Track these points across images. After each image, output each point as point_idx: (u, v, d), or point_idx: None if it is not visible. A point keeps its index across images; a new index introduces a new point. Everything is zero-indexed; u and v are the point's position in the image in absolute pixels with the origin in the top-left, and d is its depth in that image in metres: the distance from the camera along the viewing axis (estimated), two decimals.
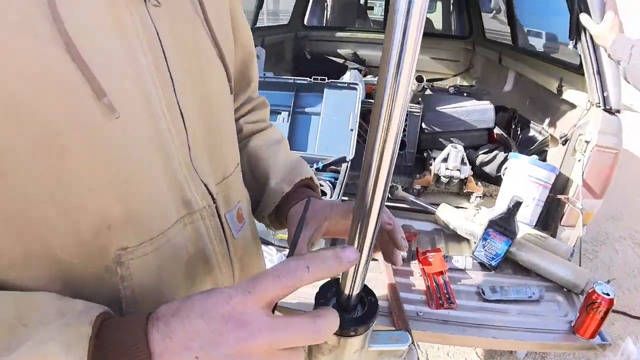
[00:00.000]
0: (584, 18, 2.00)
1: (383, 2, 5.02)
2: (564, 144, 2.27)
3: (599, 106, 2.03)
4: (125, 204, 0.54)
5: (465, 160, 2.36)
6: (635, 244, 4.05)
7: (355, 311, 0.60)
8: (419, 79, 2.41)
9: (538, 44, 3.54)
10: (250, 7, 3.88)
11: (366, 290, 0.62)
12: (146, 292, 0.59)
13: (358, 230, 0.48)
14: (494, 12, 4.78)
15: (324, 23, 5.45)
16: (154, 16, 0.56)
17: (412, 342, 0.71)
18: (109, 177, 0.52)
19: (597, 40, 1.95)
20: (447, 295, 1.76)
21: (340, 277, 0.57)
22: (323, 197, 1.98)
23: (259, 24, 4.14)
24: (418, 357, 0.73)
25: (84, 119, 0.48)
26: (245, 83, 0.94)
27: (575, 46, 2.15)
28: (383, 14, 4.98)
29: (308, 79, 2.38)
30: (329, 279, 0.61)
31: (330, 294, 0.61)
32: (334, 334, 0.55)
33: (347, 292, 0.57)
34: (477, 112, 2.62)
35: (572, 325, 1.68)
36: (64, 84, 0.46)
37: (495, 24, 4.66)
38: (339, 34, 4.87)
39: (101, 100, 0.48)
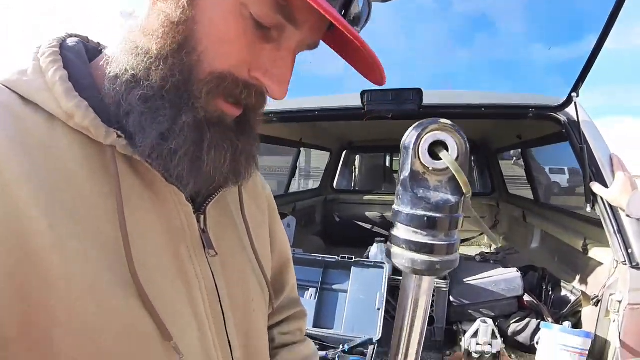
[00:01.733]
0: (595, 187, 2.08)
1: None
2: (596, 305, 2.21)
3: (625, 264, 2.00)
4: None
5: (496, 333, 2.33)
6: None
7: None
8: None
9: (559, 198, 3.59)
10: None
11: None
12: None
13: None
14: (515, 159, 4.90)
15: (353, 186, 5.70)
16: (212, 263, 0.66)
17: None
18: None
19: (613, 203, 2.00)
20: None
21: None
22: None
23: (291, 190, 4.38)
24: None
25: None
26: (280, 287, 0.98)
27: (593, 208, 2.20)
28: None
29: (336, 257, 2.47)
30: None
31: None
32: None
33: None
34: (504, 281, 2.63)
35: None
36: (136, 329, 0.54)
37: (518, 170, 4.74)
38: (367, 197, 5.06)
39: (168, 343, 0.56)
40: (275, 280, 0.94)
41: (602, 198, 2.09)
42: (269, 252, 0.88)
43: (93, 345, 0.51)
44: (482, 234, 4.69)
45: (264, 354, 0.82)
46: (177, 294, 0.60)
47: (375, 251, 2.80)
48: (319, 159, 5.41)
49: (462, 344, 2.33)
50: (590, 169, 2.16)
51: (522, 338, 2.48)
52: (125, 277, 0.53)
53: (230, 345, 0.68)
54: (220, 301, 0.67)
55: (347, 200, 5.10)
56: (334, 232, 4.80)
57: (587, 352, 2.10)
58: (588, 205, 2.22)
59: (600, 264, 2.33)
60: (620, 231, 2.04)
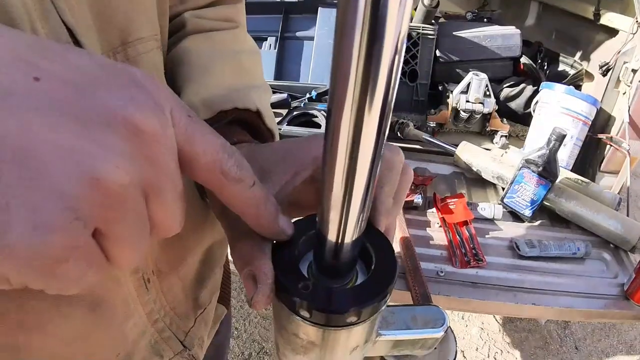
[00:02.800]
0: None
1: None
2: (604, 75, 1.97)
3: None
4: None
5: (490, 91, 2.03)
6: None
7: (351, 276, 0.34)
8: None
9: None
10: None
11: (373, 236, 0.36)
12: None
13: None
14: None
15: None
16: None
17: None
18: None
19: None
20: (473, 251, 1.44)
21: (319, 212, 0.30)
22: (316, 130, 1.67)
23: None
24: (456, 351, 0.48)
25: None
26: None
27: None
28: None
29: None
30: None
31: (304, 241, 0.35)
32: (313, 322, 0.31)
33: (332, 237, 0.30)
34: (501, 37, 2.29)
35: (625, 289, 1.42)
36: None
37: None
38: None
39: None
40: None
41: None
42: None
43: None
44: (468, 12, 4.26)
45: None
46: None
47: None
48: None
49: (449, 101, 2.02)
50: None
51: (516, 105, 2.23)
52: None
53: None
54: None
55: None
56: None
57: (590, 122, 1.91)
58: None
59: (614, 32, 2.09)
60: None
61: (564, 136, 1.49)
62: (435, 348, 0.46)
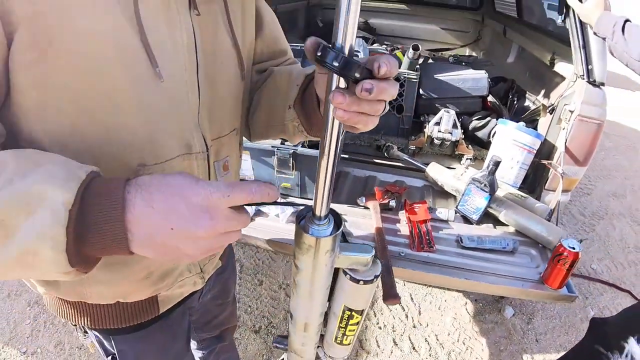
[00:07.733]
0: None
1: None
2: (550, 113, 2.34)
3: (583, 78, 2.09)
4: (150, 134, 0.76)
5: (457, 124, 2.50)
6: (634, 221, 4.06)
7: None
8: (415, 48, 2.51)
9: (539, 17, 3.56)
10: None
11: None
12: None
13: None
14: None
15: None
16: (193, 19, 0.79)
17: (376, 255, 0.84)
18: (145, 116, 0.74)
19: (583, 18, 1.96)
20: (428, 240, 1.94)
21: (314, 198, 0.69)
22: None
23: None
24: (381, 270, 0.86)
25: (142, 80, 0.71)
26: (280, 52, 1.12)
27: (563, 21, 2.22)
28: None
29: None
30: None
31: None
32: (310, 233, 0.70)
33: (317, 212, 0.70)
34: (472, 80, 2.74)
35: (542, 276, 1.82)
36: (128, 51, 0.68)
37: None
38: None
39: (154, 69, 0.72)
40: (274, 47, 1.09)
41: (574, 11, 2.06)
42: (250, 28, 0.99)
43: (85, 63, 0.65)
44: (463, 46, 4.72)
45: (230, 107, 0.97)
46: (164, 34, 0.74)
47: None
48: None
49: (425, 130, 2.51)
50: None
51: (482, 134, 2.68)
52: (128, 4, 0.67)
53: (199, 88, 0.84)
54: (196, 53, 0.81)
55: (331, 6, 4.85)
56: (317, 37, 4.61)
57: (535, 151, 2.30)
58: (560, 17, 2.24)
59: (563, 78, 2.43)
60: (585, 47, 2.09)
61: (498, 162, 1.98)
62: (370, 269, 0.84)
